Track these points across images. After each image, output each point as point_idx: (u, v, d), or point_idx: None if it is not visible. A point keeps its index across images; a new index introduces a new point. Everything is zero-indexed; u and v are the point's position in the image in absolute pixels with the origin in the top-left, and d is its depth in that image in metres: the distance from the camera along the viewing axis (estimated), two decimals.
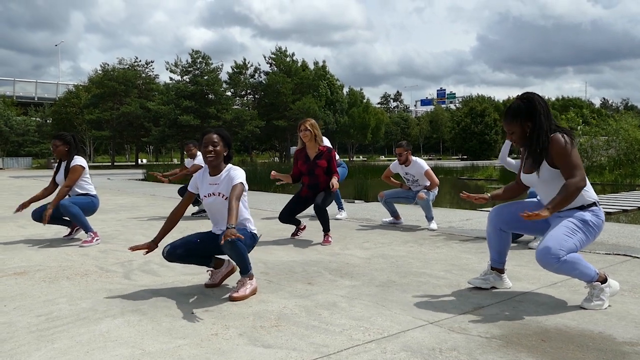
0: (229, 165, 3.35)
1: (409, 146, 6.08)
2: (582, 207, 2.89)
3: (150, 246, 3.18)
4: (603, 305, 2.84)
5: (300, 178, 5.33)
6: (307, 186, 5.23)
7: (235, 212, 2.99)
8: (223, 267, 3.45)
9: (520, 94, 2.97)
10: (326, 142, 7.08)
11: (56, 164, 5.33)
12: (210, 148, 3.23)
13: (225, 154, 3.32)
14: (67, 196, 5.08)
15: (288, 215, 5.22)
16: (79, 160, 5.13)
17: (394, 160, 6.30)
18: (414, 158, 6.05)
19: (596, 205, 2.92)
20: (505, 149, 4.97)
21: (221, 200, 3.26)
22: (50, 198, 5.21)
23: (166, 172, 7.77)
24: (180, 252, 3.24)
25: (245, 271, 3.17)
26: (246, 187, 3.25)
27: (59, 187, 5.13)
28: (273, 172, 5.23)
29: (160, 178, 7.44)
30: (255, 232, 3.34)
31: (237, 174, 3.25)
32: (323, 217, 5.04)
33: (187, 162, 7.66)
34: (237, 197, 3.09)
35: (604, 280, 2.88)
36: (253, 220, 3.40)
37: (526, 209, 3.06)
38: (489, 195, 3.25)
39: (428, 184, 5.96)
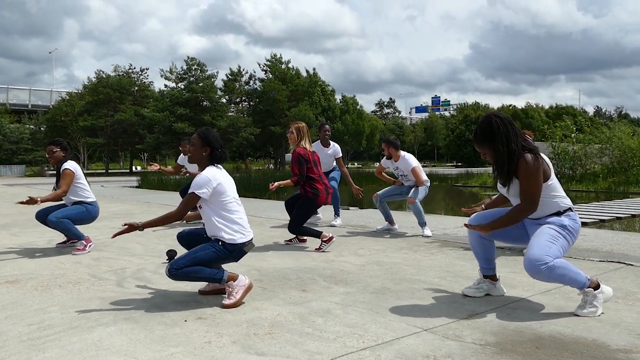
0: (207, 168, 3.27)
1: (396, 142, 6.03)
2: (558, 213, 2.94)
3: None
4: (597, 312, 2.84)
5: None
6: None
7: (155, 220, 3.17)
8: None
9: (483, 117, 3.00)
10: (337, 149, 7.08)
11: (56, 172, 5.26)
12: (187, 147, 3.34)
13: (204, 153, 3.27)
14: (61, 200, 5.06)
15: (288, 205, 5.36)
16: (68, 164, 5.05)
17: None
18: (402, 153, 6.05)
19: (571, 211, 2.97)
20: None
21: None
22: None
23: (166, 168, 7.70)
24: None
25: (219, 281, 3.13)
26: (206, 193, 3.12)
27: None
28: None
29: (159, 169, 7.26)
30: (229, 241, 3.17)
31: (194, 182, 3.18)
32: (306, 235, 5.06)
33: (181, 158, 7.75)
34: (179, 207, 3.14)
35: (596, 287, 2.88)
36: (238, 228, 3.21)
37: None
38: (484, 205, 3.36)
39: None
